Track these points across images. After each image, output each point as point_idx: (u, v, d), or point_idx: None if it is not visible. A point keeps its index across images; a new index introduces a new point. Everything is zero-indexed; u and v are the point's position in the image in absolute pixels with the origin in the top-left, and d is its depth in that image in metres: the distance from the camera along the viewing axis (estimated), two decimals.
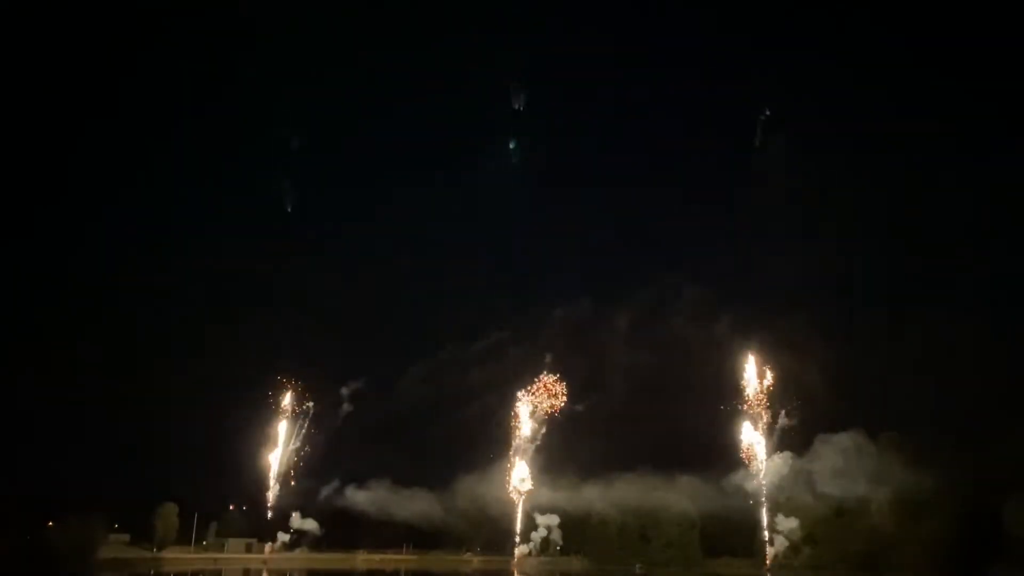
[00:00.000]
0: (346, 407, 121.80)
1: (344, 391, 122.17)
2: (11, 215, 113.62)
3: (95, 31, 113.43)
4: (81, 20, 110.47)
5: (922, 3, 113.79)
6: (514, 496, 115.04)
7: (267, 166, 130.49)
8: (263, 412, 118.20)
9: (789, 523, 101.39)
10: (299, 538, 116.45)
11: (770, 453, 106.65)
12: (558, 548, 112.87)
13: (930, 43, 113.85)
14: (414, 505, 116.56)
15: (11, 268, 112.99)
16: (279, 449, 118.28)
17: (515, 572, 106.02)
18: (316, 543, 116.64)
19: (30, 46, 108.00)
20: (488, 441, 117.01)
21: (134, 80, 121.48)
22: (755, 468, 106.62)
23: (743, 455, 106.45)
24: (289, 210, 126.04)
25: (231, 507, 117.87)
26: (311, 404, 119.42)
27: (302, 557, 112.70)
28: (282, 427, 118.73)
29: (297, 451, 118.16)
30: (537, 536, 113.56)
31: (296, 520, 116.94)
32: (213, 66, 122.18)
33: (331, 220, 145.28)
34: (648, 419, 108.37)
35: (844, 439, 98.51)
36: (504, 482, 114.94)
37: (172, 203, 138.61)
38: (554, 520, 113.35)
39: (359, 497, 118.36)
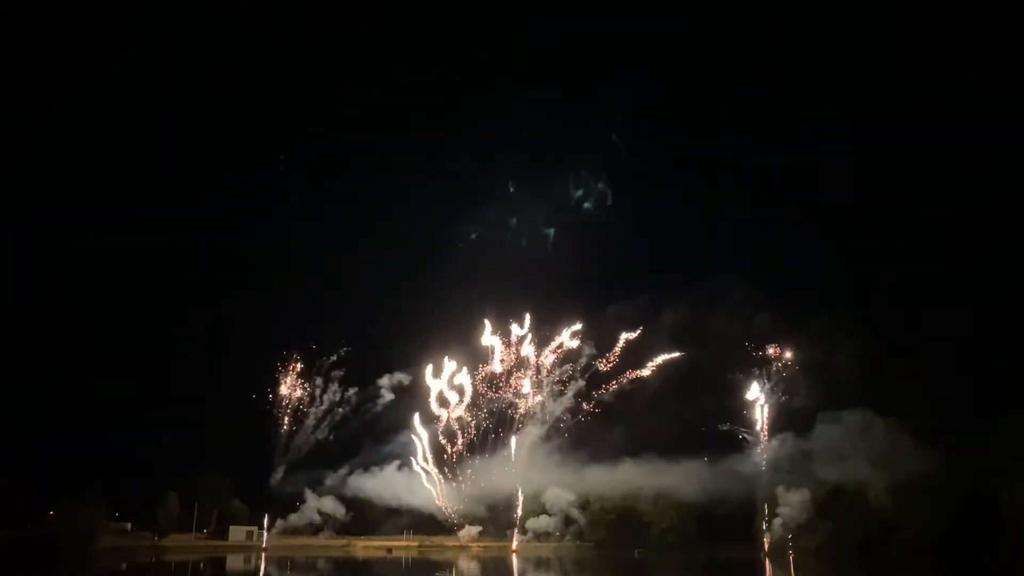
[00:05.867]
0: (386, 395, 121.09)
1: (384, 381, 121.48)
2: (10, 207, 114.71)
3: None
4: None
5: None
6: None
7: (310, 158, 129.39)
8: (269, 399, 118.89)
9: (788, 505, 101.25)
10: (324, 521, 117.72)
11: (773, 434, 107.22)
12: (557, 533, 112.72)
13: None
14: (420, 490, 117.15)
15: (9, 257, 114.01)
16: (284, 436, 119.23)
17: (514, 559, 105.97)
18: (342, 527, 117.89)
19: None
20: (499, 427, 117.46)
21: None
22: (756, 450, 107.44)
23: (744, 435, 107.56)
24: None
25: (233, 495, 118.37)
26: (352, 392, 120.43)
27: (300, 544, 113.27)
28: (287, 415, 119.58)
29: (321, 440, 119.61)
30: (558, 509, 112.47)
31: (312, 499, 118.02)
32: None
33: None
34: (663, 408, 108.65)
35: (848, 417, 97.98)
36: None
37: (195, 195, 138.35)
38: (569, 496, 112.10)
39: (366, 483, 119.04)
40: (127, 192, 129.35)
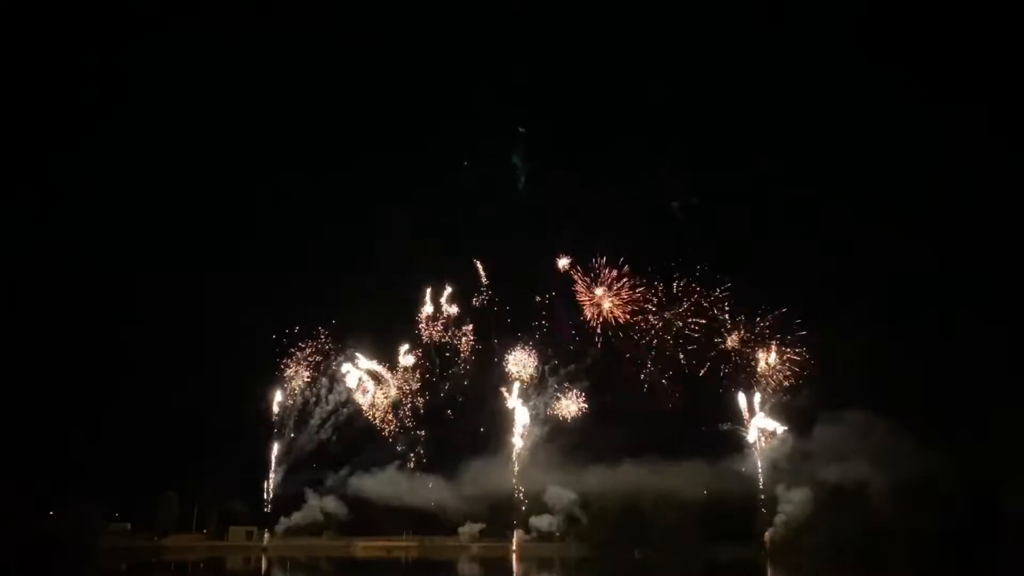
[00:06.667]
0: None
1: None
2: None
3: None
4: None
5: None
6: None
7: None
8: (269, 400, 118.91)
9: (789, 504, 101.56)
10: (327, 521, 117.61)
11: (772, 432, 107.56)
12: (557, 534, 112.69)
13: None
14: (421, 490, 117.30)
15: (9, 257, 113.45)
16: (286, 437, 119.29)
17: (515, 559, 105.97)
18: (344, 527, 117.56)
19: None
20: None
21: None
22: (755, 449, 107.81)
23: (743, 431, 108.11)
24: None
25: (233, 495, 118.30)
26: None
27: (300, 544, 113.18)
28: (290, 415, 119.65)
29: (324, 440, 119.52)
30: (560, 508, 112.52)
31: (313, 499, 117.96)
32: None
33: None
34: (667, 410, 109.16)
35: (848, 417, 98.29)
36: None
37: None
38: (570, 495, 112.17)
39: (366, 483, 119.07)
40: (128, 191, 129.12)
